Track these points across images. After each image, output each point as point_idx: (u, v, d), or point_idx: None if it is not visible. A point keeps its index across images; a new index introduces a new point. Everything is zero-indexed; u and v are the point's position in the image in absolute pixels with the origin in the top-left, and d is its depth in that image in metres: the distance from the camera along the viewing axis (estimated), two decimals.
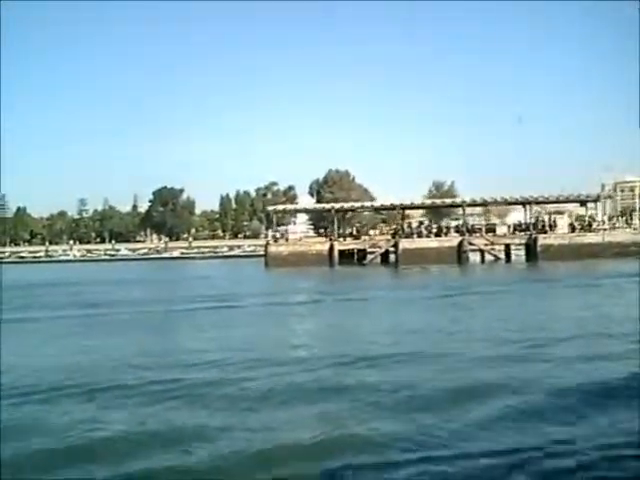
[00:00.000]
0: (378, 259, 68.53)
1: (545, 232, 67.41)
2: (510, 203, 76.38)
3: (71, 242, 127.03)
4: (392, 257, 68.78)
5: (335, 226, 72.35)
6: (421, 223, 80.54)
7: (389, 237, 71.87)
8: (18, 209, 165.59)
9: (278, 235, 74.06)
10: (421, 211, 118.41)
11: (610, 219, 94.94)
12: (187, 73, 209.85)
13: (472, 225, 73.33)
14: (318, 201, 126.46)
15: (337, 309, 30.13)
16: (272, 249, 69.05)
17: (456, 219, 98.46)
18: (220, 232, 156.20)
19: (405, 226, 74.39)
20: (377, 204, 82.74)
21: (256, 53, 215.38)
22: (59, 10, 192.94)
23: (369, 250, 69.56)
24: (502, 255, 67.75)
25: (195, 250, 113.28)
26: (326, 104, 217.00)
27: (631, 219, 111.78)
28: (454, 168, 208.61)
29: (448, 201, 77.07)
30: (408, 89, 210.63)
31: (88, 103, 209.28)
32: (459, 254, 64.49)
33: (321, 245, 69.01)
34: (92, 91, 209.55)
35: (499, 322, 22.81)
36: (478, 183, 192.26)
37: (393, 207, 74.24)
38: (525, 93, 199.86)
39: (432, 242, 66.71)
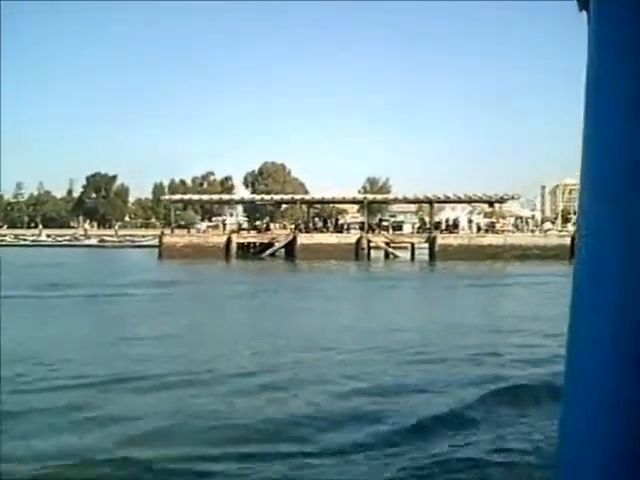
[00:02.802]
0: (280, 253, 66.78)
1: (450, 231, 66.71)
2: (411, 202, 75.23)
3: None
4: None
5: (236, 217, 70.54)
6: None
7: (288, 232, 70.13)
8: None
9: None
10: (356, 207, 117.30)
11: (543, 221, 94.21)
12: (127, 56, 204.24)
13: (378, 222, 72.00)
14: (253, 193, 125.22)
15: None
16: (166, 240, 66.93)
17: (392, 216, 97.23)
18: (154, 221, 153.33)
19: (309, 221, 72.76)
20: (268, 197, 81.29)
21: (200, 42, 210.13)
22: None
23: (276, 244, 67.70)
24: (405, 254, 66.56)
25: (115, 239, 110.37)
26: (268, 96, 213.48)
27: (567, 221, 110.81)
28: (397, 165, 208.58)
29: (339, 198, 74.94)
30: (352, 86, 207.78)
31: (28, 83, 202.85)
32: (357, 251, 63.07)
33: (218, 237, 67.08)
34: (35, 71, 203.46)
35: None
36: (428, 180, 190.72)
37: (286, 201, 72.91)
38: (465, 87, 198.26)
39: (331, 238, 65.28)
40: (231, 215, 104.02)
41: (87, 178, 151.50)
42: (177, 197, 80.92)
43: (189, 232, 72.58)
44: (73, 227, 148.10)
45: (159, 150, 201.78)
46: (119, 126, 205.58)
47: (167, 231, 70.84)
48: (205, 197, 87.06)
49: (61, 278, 37.14)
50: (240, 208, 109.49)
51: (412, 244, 66.72)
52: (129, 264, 59.82)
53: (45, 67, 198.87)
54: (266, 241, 67.77)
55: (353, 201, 77.72)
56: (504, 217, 76.74)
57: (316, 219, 73.67)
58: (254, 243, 69.29)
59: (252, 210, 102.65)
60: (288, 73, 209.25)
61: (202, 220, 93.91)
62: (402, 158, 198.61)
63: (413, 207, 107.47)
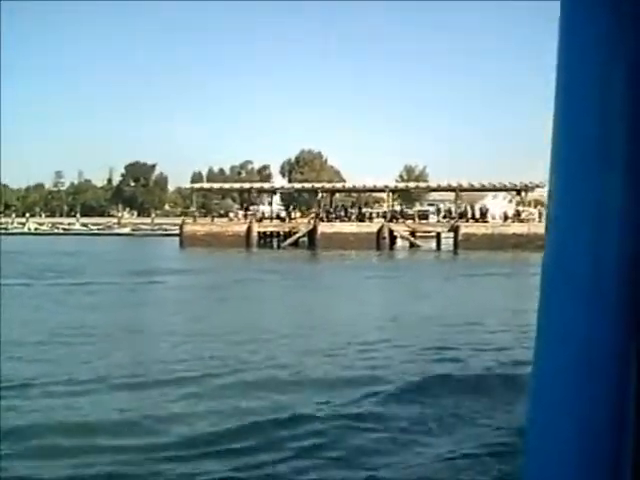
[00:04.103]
0: (304, 242, 66.04)
1: (477, 221, 65.24)
2: (434, 189, 73.75)
3: (27, 215, 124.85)
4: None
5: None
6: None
7: (310, 220, 69.15)
8: None
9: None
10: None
11: None
12: (158, 50, 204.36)
13: (400, 211, 71.13)
14: (289, 181, 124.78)
15: None
16: (187, 228, 66.86)
17: (430, 204, 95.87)
18: (193, 209, 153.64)
19: (331, 209, 71.78)
20: (289, 186, 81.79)
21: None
22: None
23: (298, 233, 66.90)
24: (430, 243, 65.30)
25: (148, 227, 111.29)
26: (303, 86, 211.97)
27: None
28: (440, 154, 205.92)
29: (359, 185, 74.24)
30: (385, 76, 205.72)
31: (64, 75, 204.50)
32: (378, 240, 61.99)
33: (239, 227, 66.55)
34: (67, 62, 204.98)
35: None
36: (469, 168, 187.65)
37: (306, 190, 72.35)
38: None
39: (352, 227, 64.29)
40: (270, 204, 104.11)
41: (126, 167, 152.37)
42: (197, 185, 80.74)
43: (212, 221, 72.41)
44: (113, 215, 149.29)
45: (200, 139, 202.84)
46: (158, 116, 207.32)
47: (189, 220, 70.65)
48: (226, 185, 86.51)
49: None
50: (277, 196, 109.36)
51: (438, 233, 65.46)
52: (146, 252, 59.61)
53: (77, 56, 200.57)
54: (287, 230, 67.18)
55: (377, 189, 76.41)
56: (536, 205, 74.93)
57: (339, 207, 72.78)
58: (277, 232, 68.89)
59: (290, 199, 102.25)
60: (330, 63, 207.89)
61: (240, 209, 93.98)
62: (444, 146, 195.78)
63: (452, 195, 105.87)
